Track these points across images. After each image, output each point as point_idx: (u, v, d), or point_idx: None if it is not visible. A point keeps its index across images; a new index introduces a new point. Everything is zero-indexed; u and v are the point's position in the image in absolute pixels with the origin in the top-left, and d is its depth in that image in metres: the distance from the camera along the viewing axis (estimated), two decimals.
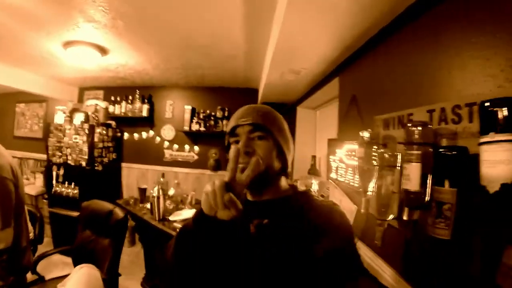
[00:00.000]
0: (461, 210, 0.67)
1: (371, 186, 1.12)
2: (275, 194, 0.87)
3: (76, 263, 2.21)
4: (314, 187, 2.86)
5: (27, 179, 4.87)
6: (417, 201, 0.82)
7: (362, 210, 1.24)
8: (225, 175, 0.65)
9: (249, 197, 0.90)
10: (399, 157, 0.94)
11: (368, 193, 1.17)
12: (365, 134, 1.25)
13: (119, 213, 2.18)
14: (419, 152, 0.84)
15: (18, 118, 5.43)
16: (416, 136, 0.86)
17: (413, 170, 0.83)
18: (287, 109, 3.95)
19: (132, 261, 3.73)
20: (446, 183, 0.71)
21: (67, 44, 2.65)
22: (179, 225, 2.41)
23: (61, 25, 2.26)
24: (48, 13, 2.04)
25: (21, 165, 5.22)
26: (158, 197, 2.66)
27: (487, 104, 0.65)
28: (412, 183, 0.83)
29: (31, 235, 2.07)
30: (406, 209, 0.90)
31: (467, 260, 0.68)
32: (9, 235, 1.68)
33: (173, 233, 2.33)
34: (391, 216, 0.97)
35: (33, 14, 2.06)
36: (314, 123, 3.63)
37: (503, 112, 0.61)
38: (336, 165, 1.91)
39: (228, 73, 3.54)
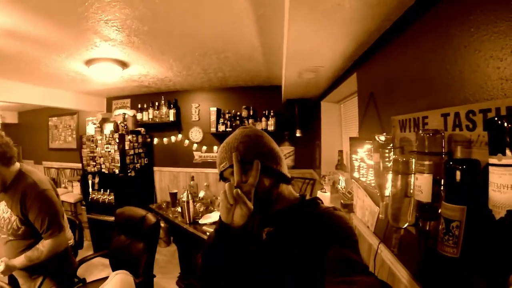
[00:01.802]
0: (470, 228, 0.63)
1: (387, 191, 1.09)
2: (281, 204, 0.95)
3: (113, 266, 2.37)
4: (341, 183, 2.81)
5: (65, 187, 5.19)
6: (428, 213, 0.79)
7: (381, 216, 1.21)
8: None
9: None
10: (413, 164, 0.90)
11: (385, 198, 1.14)
12: (381, 138, 1.20)
13: (151, 218, 2.28)
14: (430, 162, 0.80)
15: (52, 131, 5.76)
16: (427, 145, 0.82)
17: (425, 182, 0.80)
18: (312, 103, 3.89)
19: (168, 261, 3.90)
20: (455, 199, 0.66)
21: (89, 62, 2.79)
22: (208, 229, 2.49)
23: (80, 46, 2.38)
24: (65, 37, 2.16)
25: (58, 175, 5.58)
26: (188, 202, 2.74)
27: (496, 119, 0.58)
28: (423, 194, 0.80)
29: (71, 241, 2.23)
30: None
31: (475, 278, 0.64)
32: (66, 236, 1.86)
33: (203, 235, 2.41)
34: (406, 224, 0.95)
35: (51, 40, 2.19)
36: (339, 117, 3.55)
37: None
38: (358, 164, 1.85)
39: (248, 73, 3.54)
